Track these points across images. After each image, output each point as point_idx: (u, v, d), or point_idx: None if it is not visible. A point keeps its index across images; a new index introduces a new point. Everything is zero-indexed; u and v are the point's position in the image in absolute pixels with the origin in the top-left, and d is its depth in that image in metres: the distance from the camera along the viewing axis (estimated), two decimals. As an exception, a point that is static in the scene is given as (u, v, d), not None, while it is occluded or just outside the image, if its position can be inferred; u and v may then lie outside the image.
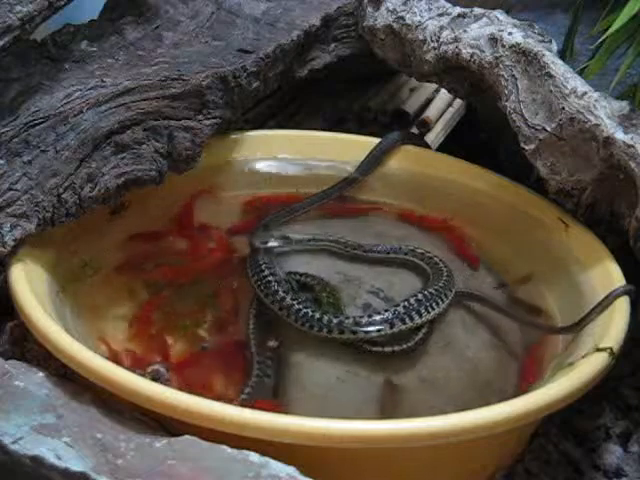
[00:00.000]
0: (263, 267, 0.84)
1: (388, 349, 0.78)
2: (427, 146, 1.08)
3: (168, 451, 0.60)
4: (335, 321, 0.77)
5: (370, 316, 0.78)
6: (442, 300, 0.82)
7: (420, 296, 0.81)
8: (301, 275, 0.85)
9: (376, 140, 1.04)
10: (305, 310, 0.79)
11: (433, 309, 0.81)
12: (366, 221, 0.98)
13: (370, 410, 0.74)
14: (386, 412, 0.74)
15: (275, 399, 0.75)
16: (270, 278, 0.83)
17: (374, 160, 1.01)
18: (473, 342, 0.82)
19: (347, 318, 0.78)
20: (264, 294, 0.82)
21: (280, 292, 0.81)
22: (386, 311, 0.79)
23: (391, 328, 0.78)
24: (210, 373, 0.77)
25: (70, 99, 0.82)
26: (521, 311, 0.86)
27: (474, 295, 0.86)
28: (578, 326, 0.77)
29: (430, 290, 0.82)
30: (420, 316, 0.79)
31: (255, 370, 0.76)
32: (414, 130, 1.16)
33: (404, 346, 0.79)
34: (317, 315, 0.78)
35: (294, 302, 0.80)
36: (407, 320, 0.79)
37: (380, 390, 0.76)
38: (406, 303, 0.80)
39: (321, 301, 0.82)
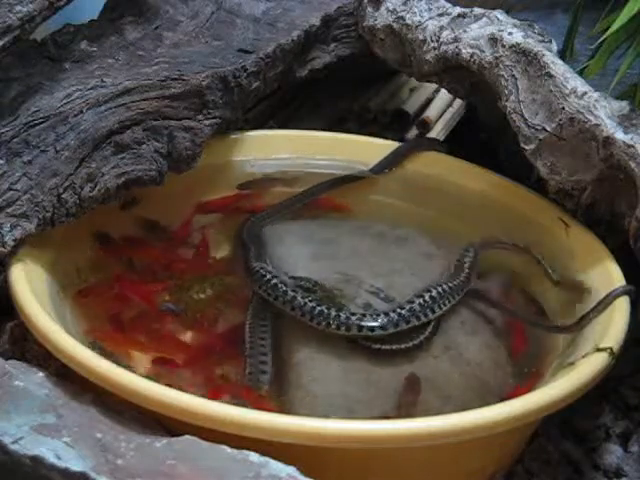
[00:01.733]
0: (262, 272, 0.83)
1: (396, 347, 0.78)
2: (448, 152, 1.05)
3: (168, 451, 0.60)
4: (354, 319, 0.77)
5: (396, 310, 0.78)
6: (454, 297, 0.82)
7: (439, 290, 0.81)
8: (296, 278, 0.85)
9: (377, 140, 1.04)
10: (320, 308, 0.78)
11: (445, 305, 0.81)
12: (365, 222, 0.98)
13: (373, 409, 0.74)
14: (403, 409, 0.74)
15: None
16: (275, 281, 0.81)
17: (387, 161, 1.01)
18: (473, 342, 0.82)
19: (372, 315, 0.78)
20: (273, 297, 0.81)
21: (289, 292, 0.80)
22: (410, 303, 0.79)
23: (418, 320, 0.79)
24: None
25: (70, 99, 0.82)
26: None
27: (476, 292, 0.86)
28: (578, 326, 0.77)
29: (448, 285, 0.82)
30: (433, 312, 0.80)
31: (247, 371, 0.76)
32: (415, 131, 1.16)
33: (410, 344, 0.79)
34: (342, 314, 0.77)
35: (307, 300, 0.79)
36: (429, 313, 0.80)
37: (399, 385, 0.75)
38: (427, 297, 0.80)
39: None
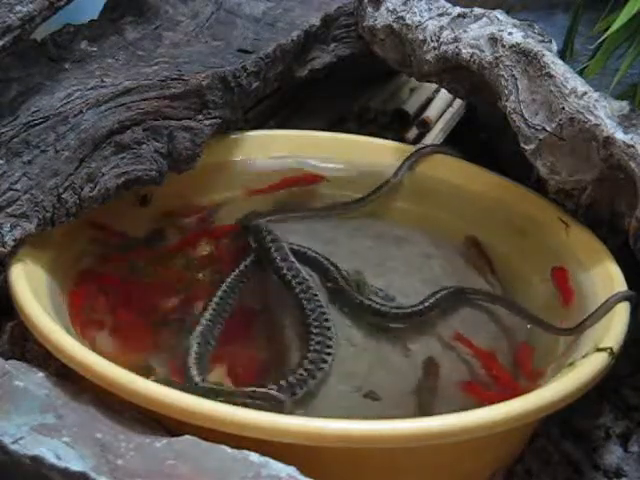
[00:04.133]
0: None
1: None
2: (461, 157, 1.04)
3: (168, 451, 0.60)
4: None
5: None
6: None
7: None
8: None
9: (377, 140, 1.05)
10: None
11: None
12: (366, 222, 0.98)
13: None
14: (423, 394, 0.75)
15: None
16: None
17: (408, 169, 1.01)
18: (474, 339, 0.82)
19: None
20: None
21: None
22: None
23: None
24: None
25: (70, 99, 0.82)
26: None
27: (480, 292, 0.86)
28: (578, 328, 0.77)
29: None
30: None
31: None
32: (415, 131, 1.16)
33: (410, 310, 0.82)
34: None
35: None
36: None
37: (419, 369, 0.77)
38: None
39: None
